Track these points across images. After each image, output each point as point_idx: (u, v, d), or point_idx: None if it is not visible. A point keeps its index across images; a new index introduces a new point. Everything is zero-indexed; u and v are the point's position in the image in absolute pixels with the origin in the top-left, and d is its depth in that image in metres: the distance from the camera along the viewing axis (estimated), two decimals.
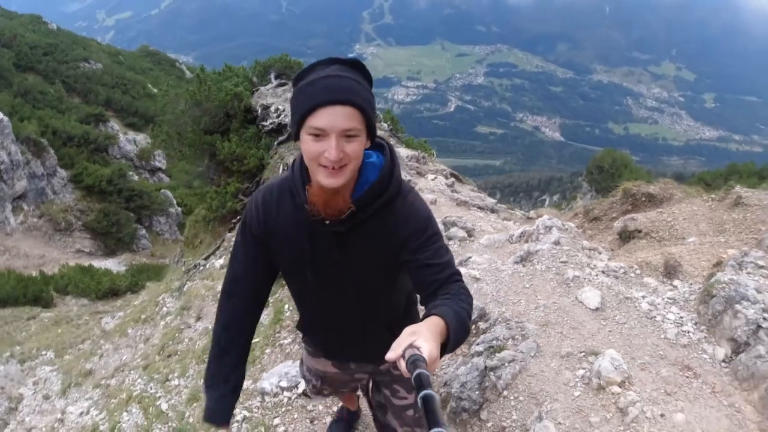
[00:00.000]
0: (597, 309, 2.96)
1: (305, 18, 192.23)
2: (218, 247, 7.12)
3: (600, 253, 3.89)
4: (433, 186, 7.44)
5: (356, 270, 1.72)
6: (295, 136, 1.51)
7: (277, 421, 3.17)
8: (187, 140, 8.08)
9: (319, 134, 1.41)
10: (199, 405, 3.52)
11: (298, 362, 4.26)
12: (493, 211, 7.71)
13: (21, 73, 28.55)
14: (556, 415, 2.39)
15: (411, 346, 1.21)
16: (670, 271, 3.31)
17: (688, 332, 2.77)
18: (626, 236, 4.41)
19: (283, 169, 7.90)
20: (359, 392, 2.77)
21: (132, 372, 5.08)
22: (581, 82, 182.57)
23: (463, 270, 3.41)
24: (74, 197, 22.55)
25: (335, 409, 3.03)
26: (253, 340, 4.07)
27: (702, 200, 4.77)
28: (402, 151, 9.20)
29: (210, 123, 8.18)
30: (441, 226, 4.67)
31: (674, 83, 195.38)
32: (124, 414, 4.01)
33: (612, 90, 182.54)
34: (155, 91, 34.81)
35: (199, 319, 5.18)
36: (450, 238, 4.31)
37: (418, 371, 1.14)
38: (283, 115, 8.41)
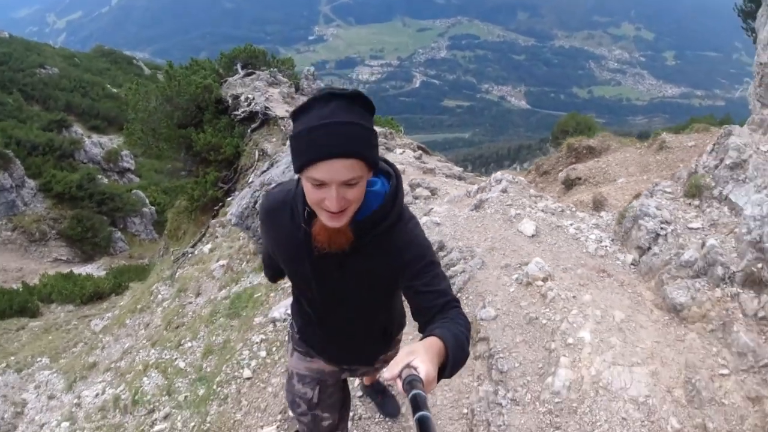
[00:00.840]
0: (533, 236, 3.69)
1: (261, 4, 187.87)
2: (204, 234, 7.53)
3: (547, 200, 4.52)
4: (401, 159, 7.95)
5: (355, 289, 1.77)
6: (297, 172, 1.51)
7: (288, 337, 3.77)
8: (162, 135, 8.39)
9: (320, 184, 1.42)
10: (215, 356, 4.09)
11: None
12: (460, 178, 8.30)
13: None
14: (495, 304, 3.09)
15: (408, 366, 1.21)
16: (597, 206, 4.00)
17: (605, 246, 3.55)
18: (569, 184, 5.09)
19: (259, 156, 8.30)
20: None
21: (141, 350, 5.50)
22: (543, 49, 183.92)
23: (425, 218, 4.06)
24: (45, 206, 22.34)
25: None
26: (258, 289, 4.57)
27: (635, 148, 5.52)
28: None
29: (183, 117, 8.49)
30: (406, 188, 5.24)
31: (634, 44, 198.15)
32: (144, 379, 4.43)
33: (574, 55, 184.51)
34: (115, 91, 34.34)
35: (198, 295, 5.63)
36: (415, 197, 4.91)
37: (414, 392, 1.13)
38: (253, 104, 8.78)
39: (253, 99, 9.02)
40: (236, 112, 8.76)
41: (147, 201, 25.03)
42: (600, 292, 3.10)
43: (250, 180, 6.33)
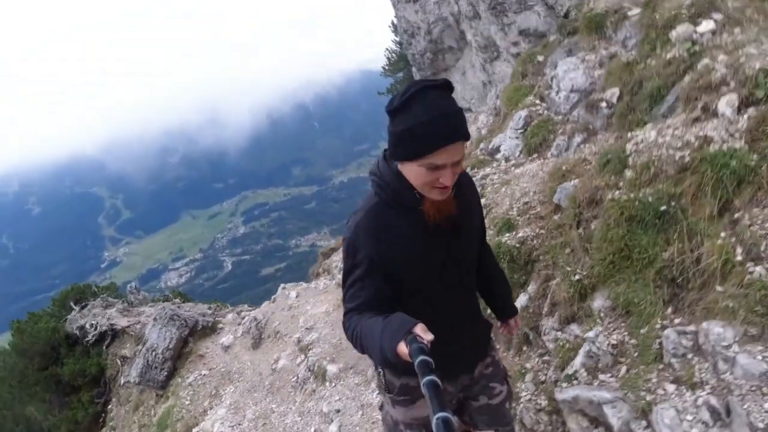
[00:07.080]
0: None
1: (39, 250, 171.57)
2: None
3: None
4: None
5: (469, 245, 2.00)
6: (397, 159, 1.74)
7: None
8: (31, 381, 9.63)
9: (436, 167, 1.63)
10: None
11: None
12: None
13: None
14: None
15: (410, 332, 1.33)
16: None
17: None
18: None
19: (121, 362, 10.01)
20: None
21: None
22: (328, 191, 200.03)
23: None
24: None
25: None
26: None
27: None
28: (200, 308, 11.57)
29: (41, 361, 9.90)
30: None
31: None
32: None
33: (356, 184, 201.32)
34: None
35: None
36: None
37: (421, 357, 1.22)
38: (99, 327, 10.54)
39: (97, 323, 10.77)
40: (87, 339, 10.36)
41: None
42: None
43: (139, 348, 8.22)
